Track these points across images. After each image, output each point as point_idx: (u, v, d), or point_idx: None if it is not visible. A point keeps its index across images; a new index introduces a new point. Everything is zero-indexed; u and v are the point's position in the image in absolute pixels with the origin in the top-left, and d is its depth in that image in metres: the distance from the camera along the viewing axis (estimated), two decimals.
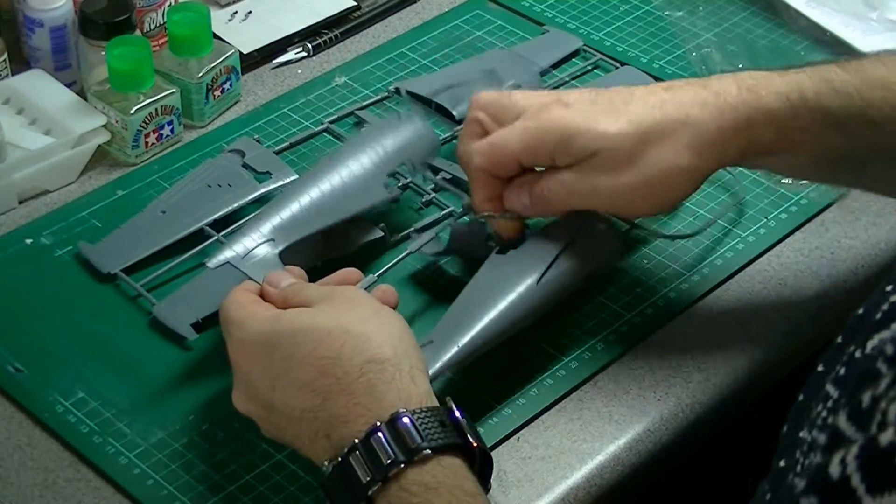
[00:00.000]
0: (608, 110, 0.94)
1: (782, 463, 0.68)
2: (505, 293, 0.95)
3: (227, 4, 1.30)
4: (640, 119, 0.93)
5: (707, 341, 1.02)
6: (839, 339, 0.70)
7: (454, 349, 0.91)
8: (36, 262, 1.06)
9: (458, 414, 0.82)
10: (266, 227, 0.99)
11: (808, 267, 1.08)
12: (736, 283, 1.06)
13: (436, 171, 1.12)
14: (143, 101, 1.13)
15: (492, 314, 0.94)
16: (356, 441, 0.79)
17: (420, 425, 0.79)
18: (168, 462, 0.92)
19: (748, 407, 1.03)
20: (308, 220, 1.00)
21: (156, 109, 1.14)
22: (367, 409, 0.80)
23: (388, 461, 0.78)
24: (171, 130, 1.16)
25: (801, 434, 0.68)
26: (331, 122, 1.18)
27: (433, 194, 1.11)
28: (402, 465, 0.78)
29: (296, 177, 1.09)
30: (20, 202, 1.12)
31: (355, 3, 1.31)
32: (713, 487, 1.16)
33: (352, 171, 1.04)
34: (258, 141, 1.15)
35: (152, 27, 1.22)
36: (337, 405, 0.81)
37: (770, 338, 1.03)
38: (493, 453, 0.93)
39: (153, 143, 1.15)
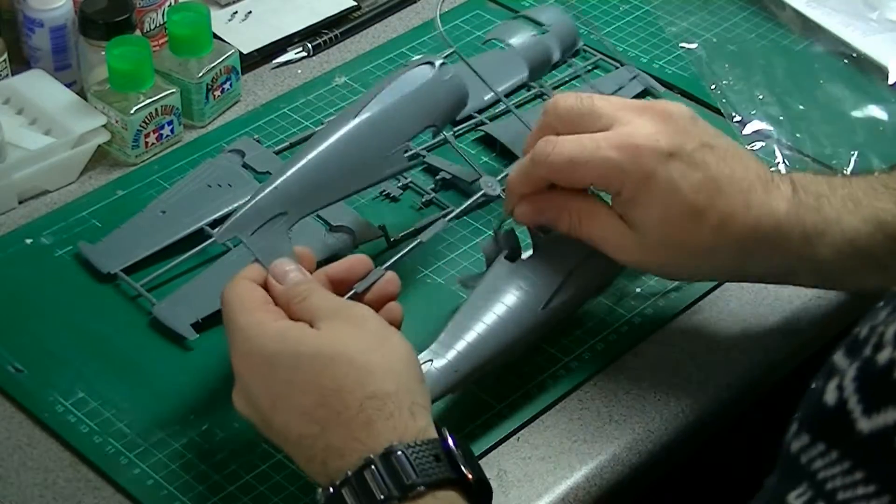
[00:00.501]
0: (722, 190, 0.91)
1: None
2: (508, 322, 0.92)
3: (227, 4, 1.30)
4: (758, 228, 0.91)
5: (707, 341, 1.02)
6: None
7: (453, 374, 0.89)
8: (36, 262, 1.06)
9: (452, 445, 0.80)
10: (277, 199, 0.92)
11: None
12: (736, 283, 1.06)
13: (435, 171, 1.12)
14: (143, 101, 1.13)
15: (493, 343, 0.91)
16: (349, 473, 0.78)
17: (415, 460, 0.78)
18: (168, 462, 0.92)
19: (748, 407, 1.03)
20: (323, 191, 0.94)
21: (156, 109, 1.14)
22: (362, 445, 0.79)
23: (382, 497, 0.77)
24: (171, 130, 1.16)
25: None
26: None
27: (433, 194, 1.11)
28: (397, 502, 0.77)
29: None
30: (20, 202, 1.12)
31: (355, 3, 1.31)
32: (713, 487, 1.16)
33: (372, 141, 0.97)
34: (258, 141, 1.15)
35: (152, 27, 1.22)
36: (334, 437, 0.79)
37: (770, 338, 1.02)
38: (493, 453, 0.93)
39: (153, 143, 1.15)
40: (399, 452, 0.78)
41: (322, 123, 1.17)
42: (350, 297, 0.90)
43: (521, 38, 1.14)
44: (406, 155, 0.98)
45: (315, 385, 0.80)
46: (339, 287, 0.90)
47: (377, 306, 0.89)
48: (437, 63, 1.01)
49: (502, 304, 0.93)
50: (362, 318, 0.84)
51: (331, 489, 0.78)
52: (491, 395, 0.96)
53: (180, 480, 0.91)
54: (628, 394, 0.98)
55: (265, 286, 0.88)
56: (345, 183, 0.95)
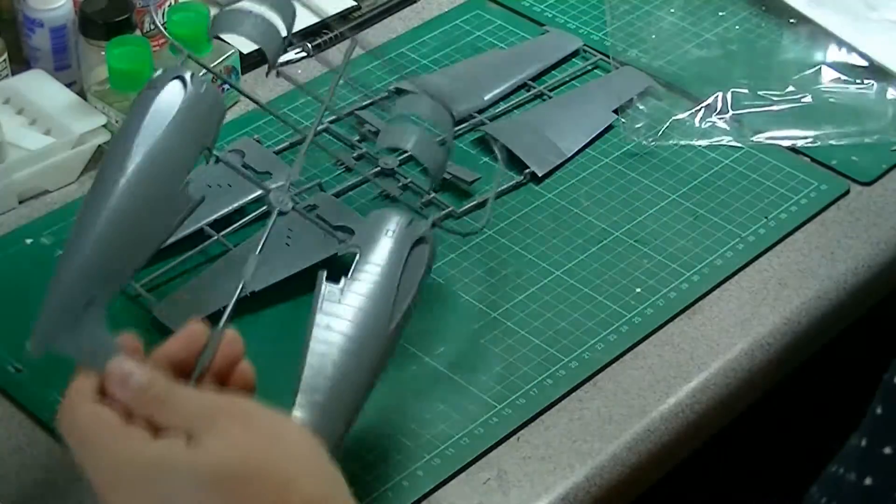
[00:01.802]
0: None
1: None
2: (359, 352, 0.83)
3: (227, 4, 1.30)
4: None
5: (707, 341, 1.02)
6: None
7: (330, 423, 0.81)
8: (36, 262, 1.06)
9: None
10: (77, 288, 0.81)
11: (808, 267, 1.08)
12: (736, 283, 1.06)
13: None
14: None
15: (358, 383, 0.83)
16: None
17: None
18: None
19: (748, 407, 1.03)
20: (121, 260, 0.83)
21: None
22: None
23: None
24: None
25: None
26: (331, 122, 1.18)
27: (433, 194, 1.11)
28: None
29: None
30: (20, 202, 1.12)
31: (355, 3, 1.31)
32: (713, 487, 1.16)
33: (147, 188, 0.84)
34: (258, 141, 1.15)
35: (152, 27, 1.22)
36: None
37: (770, 338, 1.02)
38: (492, 453, 0.93)
39: None
40: None
41: (322, 123, 1.17)
42: (198, 377, 0.76)
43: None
44: (188, 189, 0.86)
45: None
46: (185, 368, 0.75)
47: (227, 373, 0.76)
48: (188, 76, 0.88)
49: (345, 335, 0.84)
50: (246, 414, 0.70)
51: None
52: (491, 395, 0.96)
53: None
54: (628, 394, 0.98)
55: (105, 395, 0.72)
56: (140, 243, 0.84)
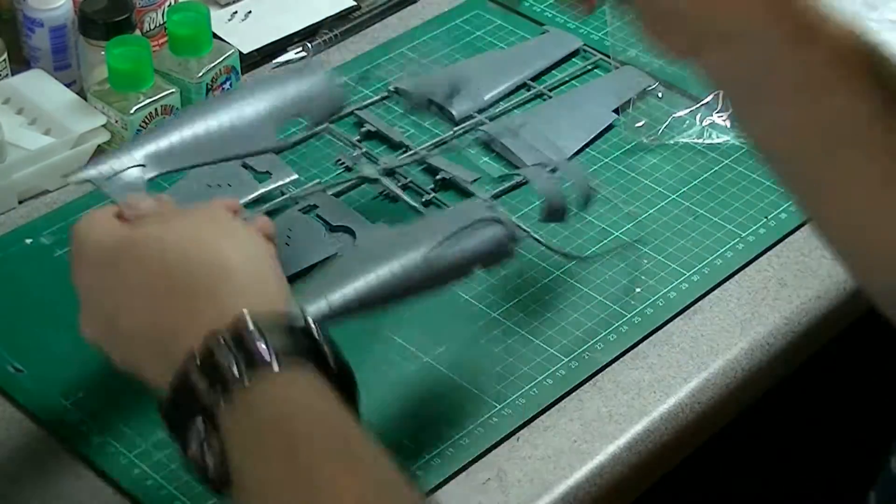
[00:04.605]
0: None
1: None
2: (387, 259, 0.88)
3: (227, 4, 1.30)
4: None
5: (707, 341, 1.02)
6: None
7: (322, 302, 0.84)
8: (36, 262, 1.06)
9: (311, 322, 0.72)
10: (139, 152, 0.95)
11: (808, 267, 1.08)
12: (736, 283, 1.06)
13: (435, 171, 1.12)
14: (143, 100, 1.13)
15: (370, 277, 0.87)
16: (193, 351, 0.70)
17: (267, 331, 0.70)
18: (168, 462, 0.92)
19: (748, 407, 1.03)
20: (186, 154, 0.96)
21: (156, 109, 1.14)
22: (208, 318, 0.71)
23: (233, 374, 0.69)
24: None
25: None
26: (330, 122, 1.18)
27: (433, 194, 1.11)
28: (245, 381, 0.69)
29: (296, 177, 1.09)
30: (20, 202, 1.12)
31: (355, 3, 1.31)
32: (713, 487, 1.16)
33: (243, 113, 0.98)
34: None
35: (152, 27, 1.22)
36: (177, 314, 0.72)
37: (770, 338, 1.02)
38: (492, 453, 0.93)
39: None
40: (250, 324, 0.69)
41: (322, 123, 1.17)
42: None
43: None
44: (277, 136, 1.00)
45: (158, 264, 0.75)
46: None
47: None
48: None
49: (382, 250, 0.90)
50: (218, 213, 0.80)
51: (176, 378, 0.70)
52: (491, 395, 0.96)
53: (180, 480, 0.90)
54: (628, 394, 0.98)
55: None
56: (205, 154, 0.96)
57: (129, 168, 0.93)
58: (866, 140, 0.70)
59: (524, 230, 1.06)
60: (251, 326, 0.70)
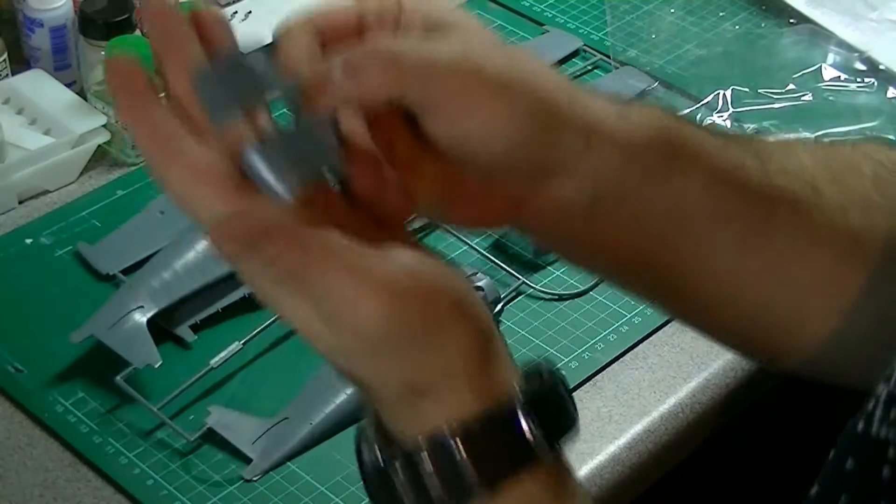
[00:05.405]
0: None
1: None
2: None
3: (227, 4, 1.30)
4: None
5: (707, 341, 1.01)
6: None
7: (307, 427, 0.92)
8: (36, 262, 1.06)
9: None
10: (132, 296, 0.99)
11: None
12: None
13: None
14: None
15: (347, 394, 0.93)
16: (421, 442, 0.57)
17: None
18: (168, 462, 0.92)
19: (748, 407, 1.03)
20: (181, 282, 1.00)
21: None
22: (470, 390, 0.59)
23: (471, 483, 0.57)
24: None
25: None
26: None
27: None
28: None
29: None
30: (20, 202, 1.12)
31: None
32: (713, 487, 1.16)
33: None
34: None
35: None
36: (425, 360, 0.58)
37: None
38: None
39: None
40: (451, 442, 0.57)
41: None
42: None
43: None
44: None
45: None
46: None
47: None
48: None
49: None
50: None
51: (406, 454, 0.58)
52: None
53: (180, 480, 0.91)
54: (628, 394, 0.98)
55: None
56: (197, 278, 1.00)
57: (129, 312, 0.97)
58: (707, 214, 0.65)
59: (516, 277, 1.04)
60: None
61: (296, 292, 0.56)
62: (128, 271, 1.03)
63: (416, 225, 0.66)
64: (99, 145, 1.14)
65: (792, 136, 0.76)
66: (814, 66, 1.25)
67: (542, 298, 1.04)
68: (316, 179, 0.58)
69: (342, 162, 0.59)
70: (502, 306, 1.01)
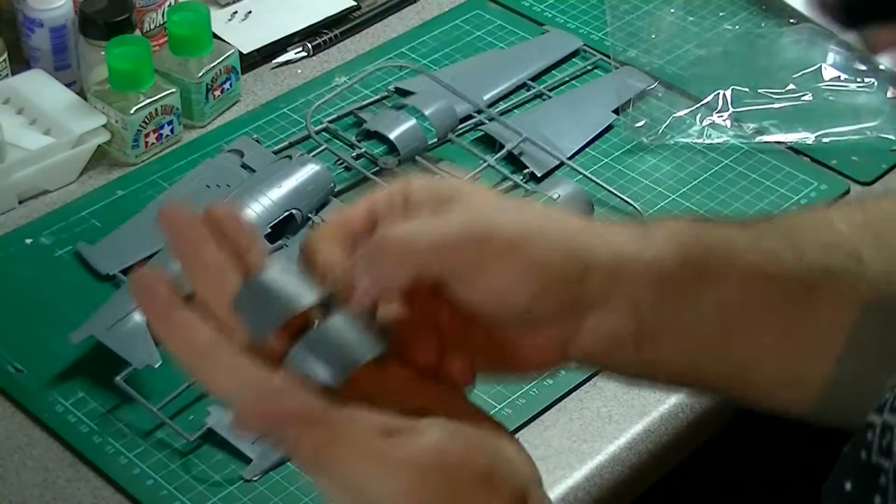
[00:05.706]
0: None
1: None
2: None
3: (227, 4, 1.30)
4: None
5: None
6: None
7: None
8: (36, 262, 1.06)
9: None
10: (132, 296, 0.97)
11: None
12: None
13: (434, 171, 1.12)
14: (143, 100, 1.13)
15: None
16: None
17: None
18: (168, 462, 0.92)
19: (747, 407, 1.03)
20: (180, 283, 0.99)
21: (156, 109, 1.14)
22: None
23: None
24: (171, 130, 1.16)
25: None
26: (330, 122, 1.18)
27: None
28: None
29: None
30: (20, 202, 1.12)
31: (355, 3, 1.31)
32: (713, 487, 1.16)
33: None
34: (258, 141, 1.15)
35: (152, 27, 1.22)
36: None
37: None
38: None
39: (153, 143, 1.15)
40: None
41: (321, 123, 1.17)
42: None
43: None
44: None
45: None
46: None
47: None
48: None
49: None
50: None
51: None
52: (491, 395, 0.96)
53: (180, 480, 0.91)
54: (628, 394, 0.98)
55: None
56: None
57: (129, 312, 0.96)
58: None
59: None
60: None
61: (320, 472, 0.59)
62: (128, 271, 1.03)
63: None
64: (99, 145, 1.14)
65: (830, 207, 0.74)
66: (814, 66, 1.25)
67: None
68: (356, 369, 0.60)
69: (386, 348, 0.61)
70: None
